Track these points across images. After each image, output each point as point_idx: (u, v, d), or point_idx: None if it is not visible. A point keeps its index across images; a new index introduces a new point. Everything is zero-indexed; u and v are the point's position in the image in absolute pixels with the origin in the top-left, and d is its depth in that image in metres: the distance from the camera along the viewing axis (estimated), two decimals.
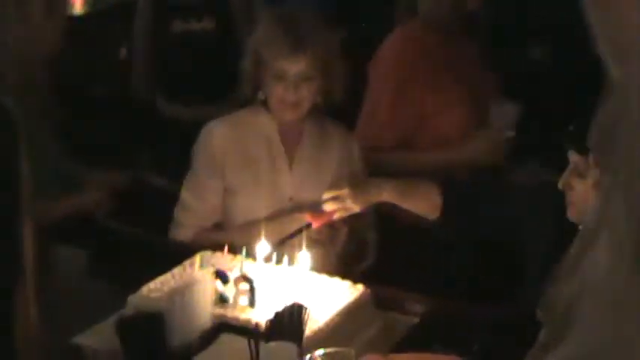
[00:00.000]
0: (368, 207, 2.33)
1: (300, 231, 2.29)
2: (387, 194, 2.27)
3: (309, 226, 2.31)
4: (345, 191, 2.27)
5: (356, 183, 2.32)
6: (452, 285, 2.64)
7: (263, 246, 2.21)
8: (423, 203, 2.29)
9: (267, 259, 2.17)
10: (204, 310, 1.94)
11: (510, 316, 2.19)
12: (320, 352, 1.66)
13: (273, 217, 2.51)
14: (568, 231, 2.07)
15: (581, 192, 1.93)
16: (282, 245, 2.25)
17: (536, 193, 2.25)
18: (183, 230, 2.58)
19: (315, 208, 2.35)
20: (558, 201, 2.03)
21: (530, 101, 3.19)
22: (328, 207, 2.30)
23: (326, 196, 2.29)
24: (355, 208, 2.30)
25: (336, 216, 2.31)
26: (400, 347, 2.10)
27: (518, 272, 2.25)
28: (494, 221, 2.25)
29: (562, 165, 2.02)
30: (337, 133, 2.65)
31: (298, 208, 2.49)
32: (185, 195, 2.60)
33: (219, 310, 2.02)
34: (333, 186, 2.30)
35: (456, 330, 2.16)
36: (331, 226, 2.39)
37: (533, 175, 3.37)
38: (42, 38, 2.40)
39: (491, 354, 2.06)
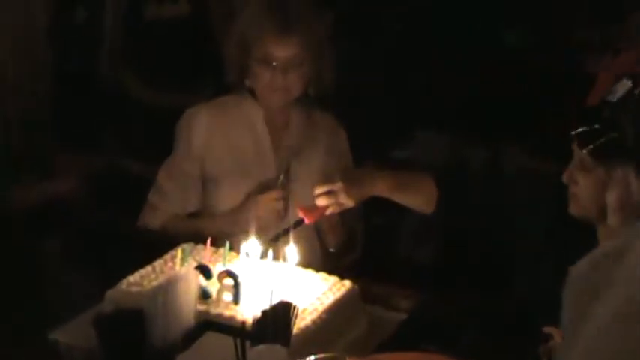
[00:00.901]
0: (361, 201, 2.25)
1: (294, 227, 2.22)
2: (381, 188, 2.20)
3: (301, 222, 2.22)
4: (338, 185, 2.19)
5: (349, 176, 2.23)
6: (441, 279, 2.59)
7: (253, 243, 2.11)
8: (419, 197, 2.22)
9: (263, 256, 2.09)
10: (188, 308, 1.86)
11: (500, 308, 2.14)
12: (311, 357, 1.59)
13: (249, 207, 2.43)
14: (560, 223, 2.02)
15: (586, 187, 1.88)
16: (276, 242, 2.16)
17: (530, 186, 2.20)
18: (156, 215, 2.49)
19: (307, 202, 2.27)
20: (553, 194, 1.98)
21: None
22: (321, 202, 2.21)
23: (319, 190, 2.20)
24: (349, 203, 2.22)
25: (328, 212, 2.22)
26: (388, 344, 2.04)
27: (508, 264, 2.21)
28: (487, 213, 2.20)
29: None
30: (325, 123, 2.58)
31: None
32: (161, 179, 2.52)
33: (201, 307, 1.94)
34: (326, 180, 2.22)
35: (445, 326, 2.10)
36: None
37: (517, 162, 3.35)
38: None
39: (481, 348, 2.01)
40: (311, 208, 2.23)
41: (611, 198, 1.52)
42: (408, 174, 2.31)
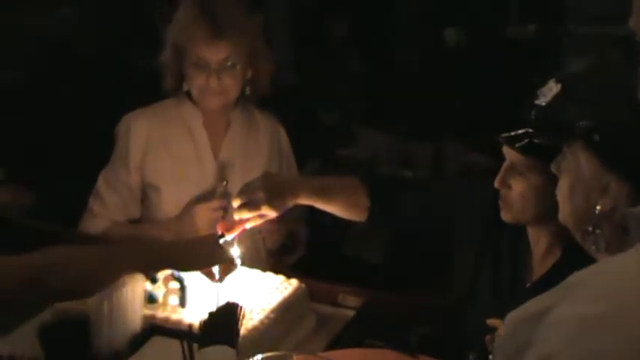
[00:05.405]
0: (285, 211, 2.05)
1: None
2: (304, 196, 2.04)
3: (222, 236, 2.00)
4: (259, 195, 1.99)
5: (270, 185, 2.03)
6: (388, 277, 2.60)
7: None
8: (348, 205, 2.08)
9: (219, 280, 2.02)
10: (135, 313, 1.85)
11: (445, 304, 2.16)
12: (258, 357, 1.58)
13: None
14: (494, 223, 2.02)
15: (520, 191, 1.85)
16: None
17: (472, 182, 2.21)
18: (96, 222, 2.46)
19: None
20: (486, 195, 1.97)
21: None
22: (241, 214, 1.99)
23: (237, 202, 2.00)
24: (271, 214, 2.01)
25: (248, 225, 2.01)
26: (336, 342, 2.05)
27: (449, 262, 2.22)
28: (422, 214, 2.18)
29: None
30: (265, 123, 2.57)
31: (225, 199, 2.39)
32: (100, 185, 2.48)
33: (148, 311, 1.93)
34: (246, 188, 2.02)
35: (391, 322, 2.11)
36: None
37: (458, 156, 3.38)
38: None
39: (427, 344, 2.02)
40: (231, 223, 2.02)
41: (562, 189, 1.49)
42: (332, 179, 2.16)
